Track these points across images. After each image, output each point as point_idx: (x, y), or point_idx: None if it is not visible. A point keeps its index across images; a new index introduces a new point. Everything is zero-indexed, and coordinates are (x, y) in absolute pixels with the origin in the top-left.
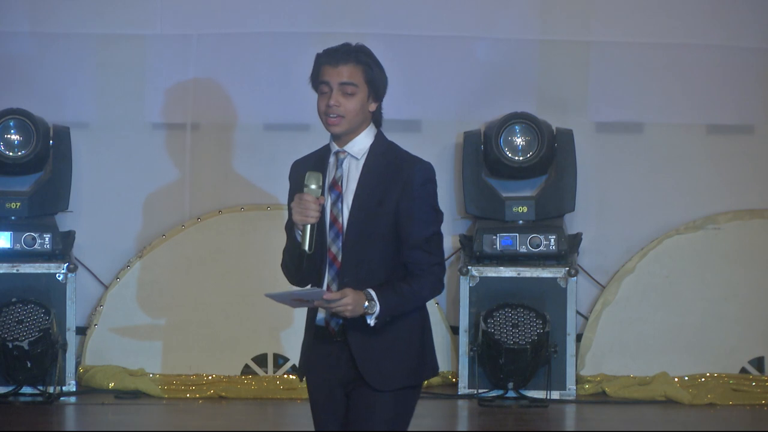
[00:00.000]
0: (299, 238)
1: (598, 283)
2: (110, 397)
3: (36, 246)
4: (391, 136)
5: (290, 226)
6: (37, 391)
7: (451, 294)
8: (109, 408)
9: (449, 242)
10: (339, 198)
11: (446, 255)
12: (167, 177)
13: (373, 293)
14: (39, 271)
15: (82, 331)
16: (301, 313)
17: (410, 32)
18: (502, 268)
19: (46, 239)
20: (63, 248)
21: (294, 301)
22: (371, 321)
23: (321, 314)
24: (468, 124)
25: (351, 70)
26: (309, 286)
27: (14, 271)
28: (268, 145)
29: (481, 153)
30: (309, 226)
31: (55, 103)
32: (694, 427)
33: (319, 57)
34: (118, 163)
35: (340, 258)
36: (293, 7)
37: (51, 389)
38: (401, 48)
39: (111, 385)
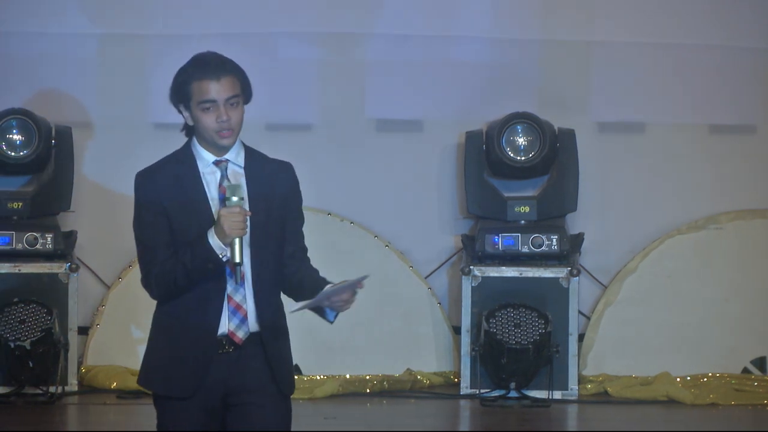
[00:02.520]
0: (221, 252)
1: (600, 282)
2: (112, 397)
3: (38, 246)
4: (393, 136)
5: (199, 239)
6: (40, 391)
7: (453, 294)
8: (111, 408)
9: (451, 242)
10: None
11: (448, 255)
12: None
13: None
14: (41, 271)
15: (84, 331)
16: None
17: (412, 32)
18: (504, 268)
19: (48, 239)
20: (65, 248)
21: (325, 301)
22: (333, 318)
23: (222, 327)
24: (470, 124)
25: (232, 81)
26: (332, 285)
27: (16, 271)
28: (270, 145)
29: (483, 153)
30: (239, 239)
31: (57, 102)
32: (696, 427)
33: (185, 75)
34: (120, 163)
35: (246, 266)
36: (294, 7)
37: (53, 389)
38: (403, 48)
39: (113, 384)
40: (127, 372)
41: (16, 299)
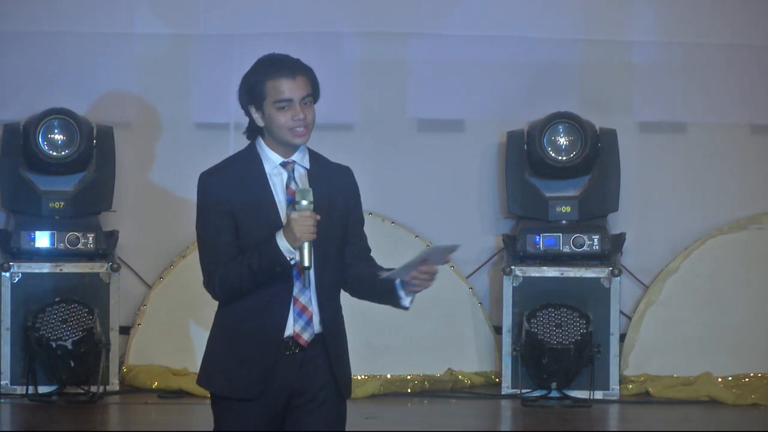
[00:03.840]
0: (289, 255)
1: (641, 282)
2: (153, 396)
3: (79, 245)
4: (435, 136)
5: (266, 241)
6: (81, 391)
7: (495, 294)
8: (153, 407)
9: (492, 242)
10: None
11: (489, 255)
12: None
13: None
14: (83, 271)
15: (125, 330)
16: None
17: (453, 32)
18: (545, 267)
19: (90, 239)
20: (106, 248)
21: (410, 269)
22: (409, 303)
23: (288, 328)
24: (511, 123)
25: (305, 81)
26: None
27: (58, 271)
28: (311, 144)
29: (525, 153)
30: (308, 243)
31: (99, 102)
32: (737, 428)
33: (260, 74)
34: (161, 163)
35: (312, 265)
36: (336, 7)
37: (94, 389)
38: (444, 48)
39: (154, 384)
40: (168, 372)
41: (57, 299)
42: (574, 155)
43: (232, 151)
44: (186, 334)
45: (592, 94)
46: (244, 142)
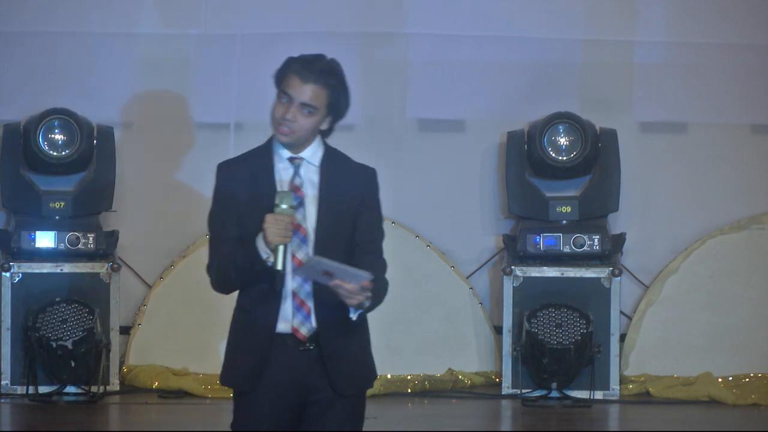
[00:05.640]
0: (265, 256)
1: (641, 283)
2: (154, 396)
3: (80, 245)
4: (435, 136)
5: (251, 239)
6: (81, 391)
7: (495, 294)
8: (153, 407)
9: (493, 242)
10: (301, 204)
11: (490, 255)
12: (211, 177)
13: None
14: (83, 271)
15: (125, 330)
16: None
17: (454, 32)
18: (545, 268)
19: (90, 239)
20: (107, 248)
21: (323, 275)
22: (354, 315)
23: (283, 322)
24: (511, 124)
25: (316, 91)
26: (349, 266)
27: (58, 271)
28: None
29: (525, 153)
30: (283, 246)
31: (99, 102)
32: (737, 428)
33: (291, 62)
34: (161, 163)
35: None
36: (336, 7)
37: (95, 389)
38: (444, 48)
39: (155, 384)
40: (169, 372)
41: (58, 299)
42: (574, 155)
43: (231, 150)
44: (186, 334)
45: (593, 94)
46: (244, 142)
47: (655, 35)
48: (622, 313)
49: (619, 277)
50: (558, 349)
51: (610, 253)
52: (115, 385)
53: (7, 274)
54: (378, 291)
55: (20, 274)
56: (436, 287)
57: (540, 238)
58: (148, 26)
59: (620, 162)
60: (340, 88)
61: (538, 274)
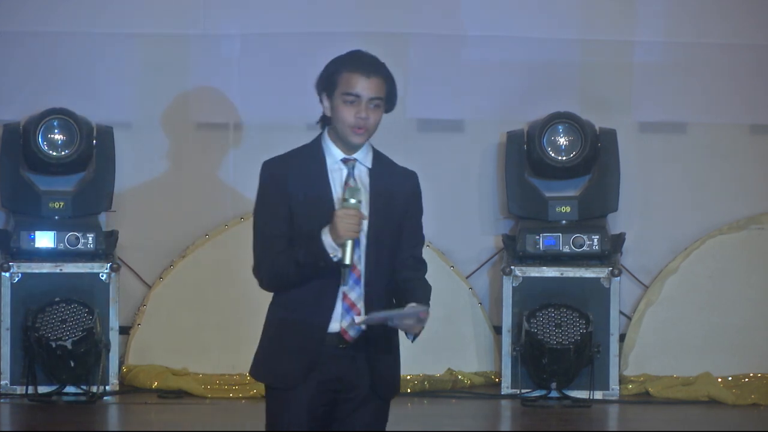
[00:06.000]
0: (332, 252)
1: (641, 283)
2: (153, 396)
3: (79, 246)
4: (434, 136)
5: (307, 235)
6: (81, 391)
7: (495, 294)
8: (152, 407)
9: (492, 242)
10: (360, 203)
11: (489, 255)
12: (210, 177)
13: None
14: (82, 271)
15: (125, 330)
16: None
17: (453, 32)
18: (545, 268)
19: (90, 239)
20: (106, 248)
21: (382, 322)
22: (413, 339)
23: (334, 322)
24: (511, 124)
25: (379, 84)
26: (404, 307)
27: (58, 271)
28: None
29: (524, 153)
30: (351, 241)
31: (99, 102)
32: (737, 428)
33: (342, 62)
34: (161, 163)
35: (361, 265)
36: (336, 7)
37: (94, 389)
38: (444, 48)
39: (154, 384)
40: (168, 371)
41: (57, 299)
42: (573, 155)
43: (231, 151)
44: (185, 334)
45: (592, 94)
46: (243, 142)
47: (654, 35)
48: (621, 313)
49: (618, 277)
50: (557, 349)
51: (610, 253)
52: (114, 385)
53: (7, 274)
54: (428, 299)
55: (20, 274)
56: (436, 287)
57: (539, 238)
58: (148, 26)
59: (620, 162)
60: (392, 78)
61: (537, 274)
